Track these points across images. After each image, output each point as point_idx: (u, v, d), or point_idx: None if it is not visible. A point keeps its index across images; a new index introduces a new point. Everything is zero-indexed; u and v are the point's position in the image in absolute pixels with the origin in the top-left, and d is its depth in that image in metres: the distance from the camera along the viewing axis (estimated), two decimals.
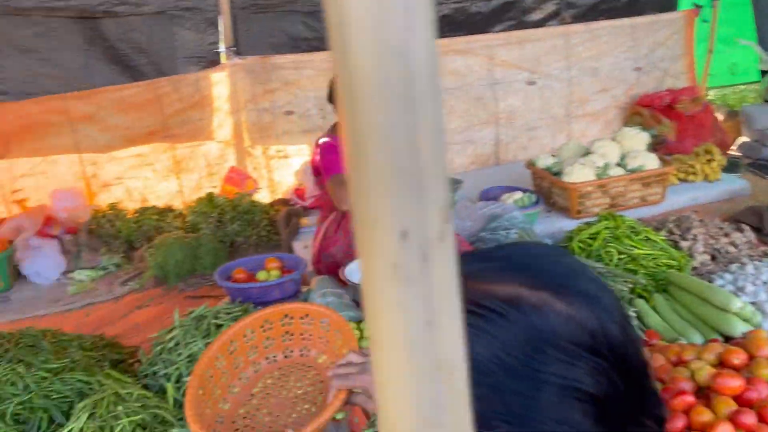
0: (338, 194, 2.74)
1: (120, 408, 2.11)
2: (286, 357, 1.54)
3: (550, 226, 3.67)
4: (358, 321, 2.80)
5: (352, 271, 2.66)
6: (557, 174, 3.86)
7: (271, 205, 4.41)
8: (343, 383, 1.26)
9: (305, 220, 4.03)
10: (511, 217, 3.38)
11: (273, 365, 1.54)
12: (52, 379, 2.26)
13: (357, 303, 2.93)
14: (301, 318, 1.53)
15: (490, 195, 3.88)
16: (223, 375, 1.45)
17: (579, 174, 3.69)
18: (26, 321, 3.26)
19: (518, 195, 3.73)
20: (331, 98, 2.94)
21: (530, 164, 4.08)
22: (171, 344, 2.50)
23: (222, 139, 4.61)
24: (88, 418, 2.10)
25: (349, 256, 3.01)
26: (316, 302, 2.88)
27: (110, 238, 4.09)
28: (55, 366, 2.31)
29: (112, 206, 4.31)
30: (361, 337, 2.64)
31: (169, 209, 4.41)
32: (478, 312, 0.65)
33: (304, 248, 3.66)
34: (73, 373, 2.31)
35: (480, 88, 4.90)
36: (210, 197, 4.23)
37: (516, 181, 4.15)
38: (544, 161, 3.99)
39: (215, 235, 3.87)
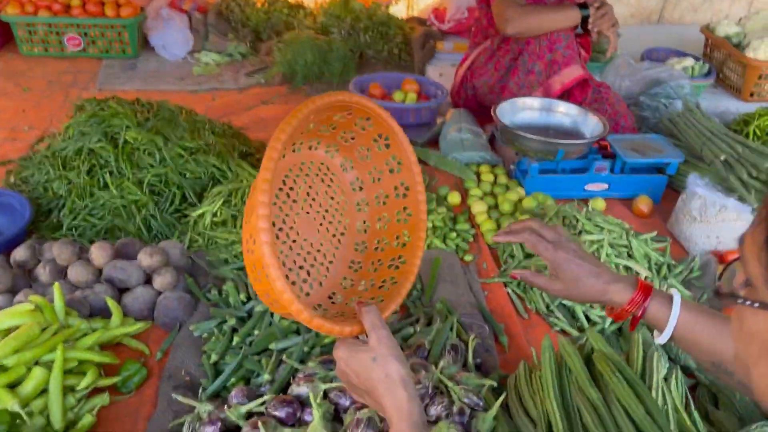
0: (506, 14, 2.40)
1: None
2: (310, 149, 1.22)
3: (715, 104, 3.26)
4: (493, 165, 2.63)
5: (504, 111, 2.43)
6: (737, 46, 3.37)
7: (406, 21, 4.09)
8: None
9: (441, 45, 3.72)
10: (677, 85, 3.00)
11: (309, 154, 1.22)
12: (187, 157, 2.22)
13: (492, 146, 2.74)
14: (360, 119, 1.18)
15: (654, 56, 3.44)
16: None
17: (767, 51, 3.19)
18: (153, 93, 3.24)
19: (689, 62, 3.29)
20: None
21: (707, 29, 3.56)
22: None
23: None
24: (222, 203, 2.07)
25: (494, 92, 2.75)
26: (448, 137, 2.69)
27: (238, 24, 3.93)
28: (190, 145, 2.27)
29: None
30: (481, 181, 2.47)
31: (300, 5, 4.16)
32: None
33: (439, 75, 3.41)
34: (206, 156, 2.27)
35: None
36: (346, 1, 3.94)
37: (680, 45, 3.67)
38: (725, 29, 3.46)
39: (346, 43, 3.64)
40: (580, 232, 2.00)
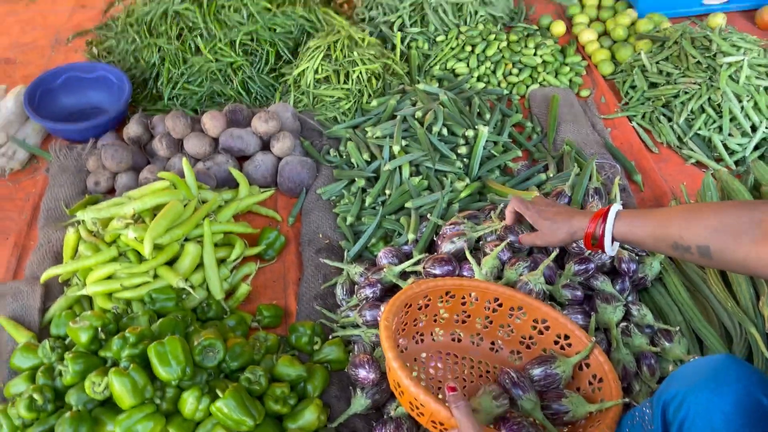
0: None
1: (355, 54, 1.95)
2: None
3: None
4: None
5: None
6: None
7: None
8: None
9: None
10: None
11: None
12: (274, 10, 2.09)
13: None
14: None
15: None
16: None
17: None
18: None
19: None
20: None
21: None
22: None
23: None
24: (322, 58, 1.96)
25: None
26: None
27: None
28: None
29: None
30: None
31: None
32: None
33: None
34: (293, 8, 2.12)
35: None
36: None
37: None
38: None
39: None
40: (715, 55, 1.83)
